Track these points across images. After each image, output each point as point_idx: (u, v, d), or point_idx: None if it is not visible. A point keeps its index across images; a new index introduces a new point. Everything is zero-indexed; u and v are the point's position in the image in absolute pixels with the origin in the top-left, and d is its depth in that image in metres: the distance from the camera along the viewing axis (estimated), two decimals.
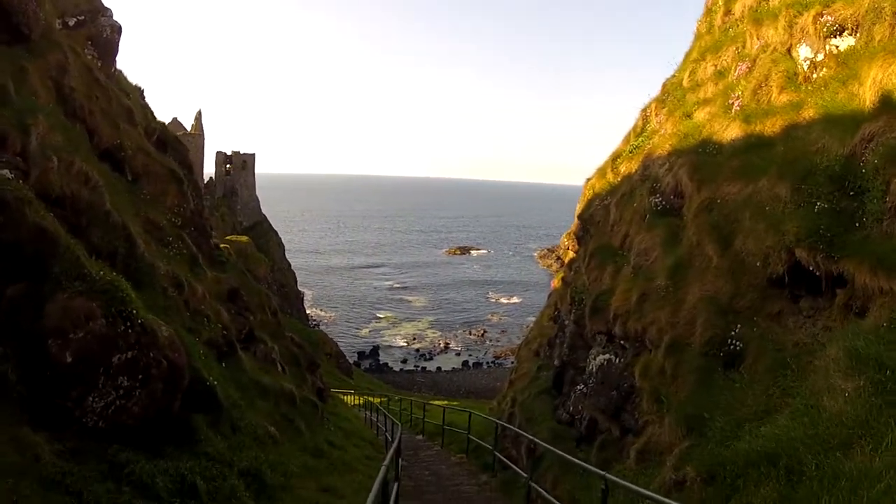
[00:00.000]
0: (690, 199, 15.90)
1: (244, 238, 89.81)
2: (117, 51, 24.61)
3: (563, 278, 24.82)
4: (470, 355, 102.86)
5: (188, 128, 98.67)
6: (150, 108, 28.65)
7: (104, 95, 20.67)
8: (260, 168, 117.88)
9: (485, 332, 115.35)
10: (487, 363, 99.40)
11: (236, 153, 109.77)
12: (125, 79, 27.37)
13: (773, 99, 15.35)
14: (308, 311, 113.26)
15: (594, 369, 16.77)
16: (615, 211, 20.03)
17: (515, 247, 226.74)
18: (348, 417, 30.22)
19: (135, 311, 10.37)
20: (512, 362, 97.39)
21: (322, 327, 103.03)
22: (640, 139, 22.88)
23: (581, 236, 23.29)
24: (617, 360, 15.92)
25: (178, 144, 28.76)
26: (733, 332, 12.18)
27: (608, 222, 20.50)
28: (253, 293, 30.22)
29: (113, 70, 24.93)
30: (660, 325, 14.11)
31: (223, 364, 17.25)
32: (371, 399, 44.87)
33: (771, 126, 14.68)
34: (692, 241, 14.71)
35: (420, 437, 31.37)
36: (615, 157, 24.41)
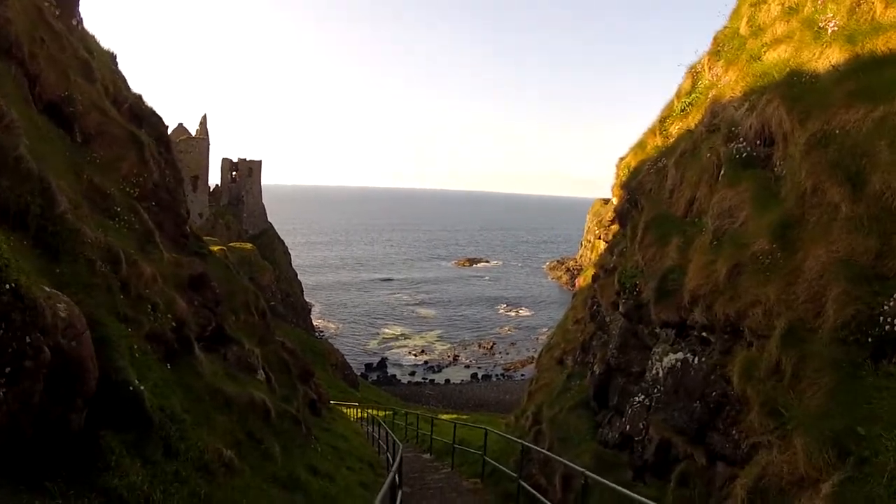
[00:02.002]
0: (788, 139, 11.72)
1: (248, 245, 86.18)
2: (78, 2, 20.85)
3: (601, 267, 20.39)
4: (479, 368, 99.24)
5: (193, 133, 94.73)
6: (122, 77, 24.41)
7: (55, 42, 17.02)
8: (266, 179, 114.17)
9: (494, 344, 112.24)
10: (497, 376, 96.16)
11: (242, 160, 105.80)
12: (92, 39, 23.13)
13: (877, 16, 12.46)
14: (315, 323, 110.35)
15: (661, 374, 12.35)
16: (674, 173, 15.71)
17: (524, 259, 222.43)
18: (345, 434, 25.69)
19: (14, 279, 6.26)
20: (522, 375, 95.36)
21: (329, 339, 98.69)
22: (692, 96, 19.20)
23: (625, 211, 18.90)
24: (696, 360, 11.44)
25: (155, 120, 24.59)
26: (885, 307, 7.87)
27: (664, 188, 16.21)
28: (236, 290, 26.00)
29: (75, 23, 21.05)
30: (766, 305, 9.68)
31: (170, 366, 12.92)
32: (373, 412, 40.43)
33: (884, 43, 11.63)
34: (802, 189, 10.36)
35: (427, 455, 26.86)
36: (663, 119, 20.52)
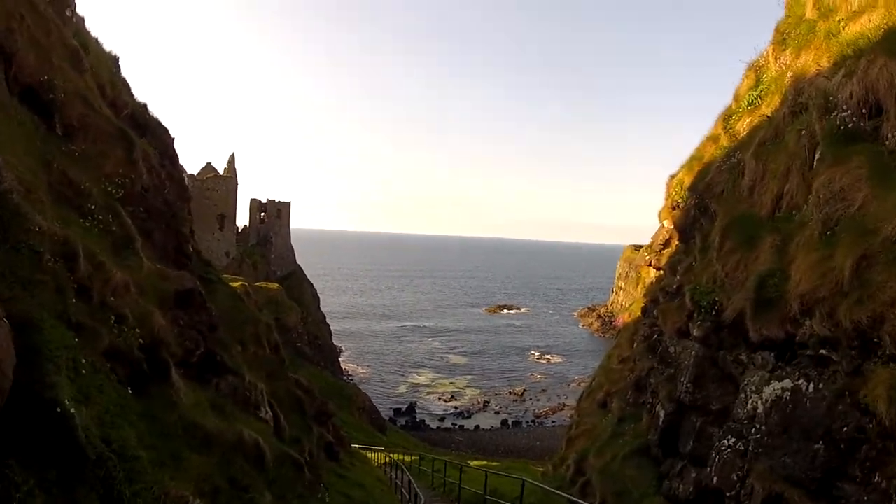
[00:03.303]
0: None
1: (274, 285, 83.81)
2: None
3: (662, 290, 17.31)
4: (509, 414, 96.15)
5: (221, 172, 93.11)
6: (125, 82, 22.07)
7: (39, 24, 14.82)
8: (294, 223, 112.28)
9: (525, 391, 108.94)
10: (528, 422, 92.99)
11: (271, 201, 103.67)
12: (90, 35, 20.70)
13: None
14: (344, 367, 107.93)
15: (760, 409, 9.42)
16: (753, 166, 12.94)
17: (555, 305, 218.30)
18: (363, 482, 22.60)
19: None
20: (553, 422, 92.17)
21: (358, 383, 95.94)
22: (759, 89, 16.68)
23: (691, 222, 16.03)
24: (812, 387, 8.51)
25: (161, 131, 22.28)
26: None
27: (740, 186, 13.49)
28: (246, 320, 23.30)
29: (69, 13, 18.85)
30: None
31: (132, 391, 10.18)
32: (397, 457, 37.27)
33: None
34: None
35: None
36: (726, 117, 18.05)
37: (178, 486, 9.03)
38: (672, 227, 21.62)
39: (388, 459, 36.74)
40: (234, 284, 57.45)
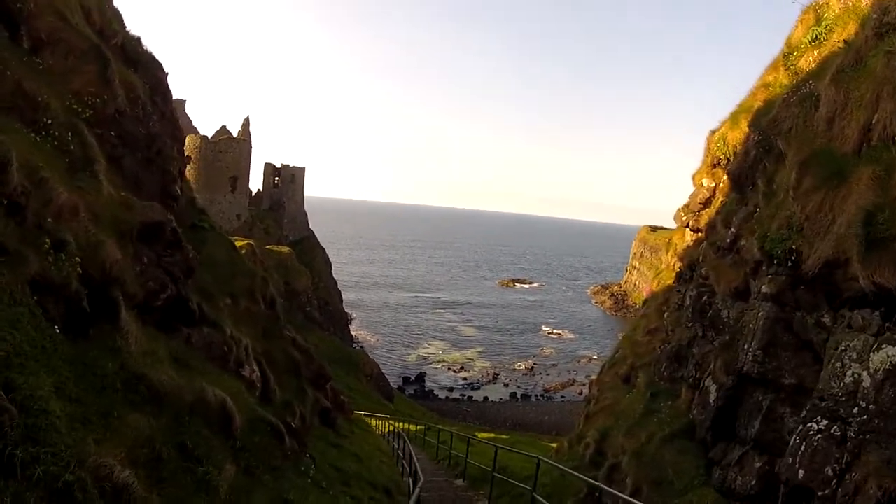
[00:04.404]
0: None
1: (285, 248, 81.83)
2: None
3: (713, 246, 14.77)
4: (519, 387, 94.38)
5: (235, 135, 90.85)
6: (117, 13, 19.90)
7: None
8: (308, 191, 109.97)
9: (535, 364, 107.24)
10: (537, 396, 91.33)
11: (286, 166, 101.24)
12: None
13: None
14: (354, 334, 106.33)
15: (867, 382, 7.06)
16: (833, 95, 10.47)
17: (568, 282, 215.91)
18: (360, 453, 20.32)
19: None
20: (562, 397, 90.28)
21: (367, 351, 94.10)
22: (823, 24, 14.28)
23: (751, 164, 13.60)
24: None
25: (154, 66, 20.05)
26: None
27: (815, 119, 11.02)
28: (239, 272, 21.10)
29: None
30: None
31: (66, 332, 8.02)
32: (400, 426, 35.16)
33: None
34: None
35: (461, 482, 21.53)
36: (785, 55, 15.61)
37: (103, 451, 6.85)
38: (712, 185, 19.28)
39: (391, 428, 34.60)
40: (240, 243, 55.65)
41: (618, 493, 10.15)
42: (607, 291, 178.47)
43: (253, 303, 20.95)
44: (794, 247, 9.50)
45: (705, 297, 13.65)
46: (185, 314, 12.90)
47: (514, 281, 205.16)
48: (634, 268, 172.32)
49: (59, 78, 12.74)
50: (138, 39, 19.72)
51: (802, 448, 7.65)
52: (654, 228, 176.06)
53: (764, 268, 10.40)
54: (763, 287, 10.03)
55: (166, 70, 21.18)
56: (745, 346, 10.07)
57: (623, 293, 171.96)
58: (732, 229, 13.21)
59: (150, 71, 19.00)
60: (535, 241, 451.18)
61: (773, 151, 12.22)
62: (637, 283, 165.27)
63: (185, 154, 77.37)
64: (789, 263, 9.57)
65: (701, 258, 16.89)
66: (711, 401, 11.12)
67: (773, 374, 9.45)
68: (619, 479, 12.87)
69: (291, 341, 22.19)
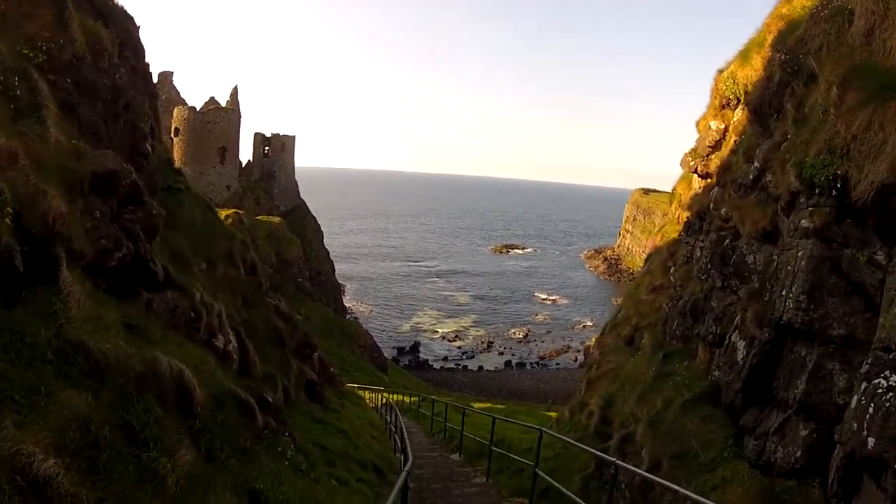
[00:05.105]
0: None
1: (276, 219, 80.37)
2: None
3: (734, 183, 13.29)
4: (513, 355, 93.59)
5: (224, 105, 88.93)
6: None
7: None
8: (298, 161, 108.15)
9: (529, 331, 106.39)
10: (531, 364, 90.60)
11: (276, 135, 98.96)
12: None
13: None
14: (347, 305, 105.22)
15: None
16: (871, 5, 9.06)
17: (561, 247, 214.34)
18: (347, 428, 18.90)
19: None
20: (557, 364, 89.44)
21: (361, 321, 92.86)
22: None
23: (773, 91, 12.12)
24: None
25: (125, 20, 18.71)
26: None
27: (850, 34, 9.68)
28: (216, 234, 19.71)
29: None
30: None
31: None
32: (393, 398, 33.92)
33: None
34: None
35: (456, 456, 20.24)
36: None
37: (24, 436, 5.60)
38: (722, 127, 17.83)
39: (383, 401, 33.29)
40: (225, 212, 54.22)
41: (635, 468, 8.80)
42: (601, 256, 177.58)
43: (232, 267, 19.57)
44: (838, 172, 8.08)
45: (727, 242, 12.19)
46: (146, 277, 11.46)
47: (508, 247, 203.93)
48: (628, 231, 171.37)
49: (10, 23, 11.64)
50: None
51: (871, 410, 6.27)
52: (646, 191, 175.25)
53: (802, 199, 8.96)
54: (802, 221, 8.58)
55: (138, 24, 19.83)
56: (783, 293, 8.62)
57: (616, 257, 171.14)
58: (756, 164, 11.73)
59: (120, 25, 17.70)
60: (527, 207, 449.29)
61: (801, 73, 10.76)
62: (630, 246, 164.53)
63: (174, 127, 75.10)
64: (833, 192, 8.14)
65: (712, 205, 15.50)
66: (740, 359, 9.70)
67: (819, 323, 8.04)
68: (632, 451, 11.51)
69: (274, 309, 20.81)
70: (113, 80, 14.76)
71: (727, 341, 10.51)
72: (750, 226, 10.96)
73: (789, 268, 8.66)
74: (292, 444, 12.54)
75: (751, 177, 11.86)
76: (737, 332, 10.11)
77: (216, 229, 19.94)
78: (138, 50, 19.38)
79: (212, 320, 13.81)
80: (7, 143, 8.55)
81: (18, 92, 10.09)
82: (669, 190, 26.14)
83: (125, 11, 18.70)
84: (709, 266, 12.84)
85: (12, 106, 9.82)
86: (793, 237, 8.93)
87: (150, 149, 17.08)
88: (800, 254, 8.52)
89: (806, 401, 7.95)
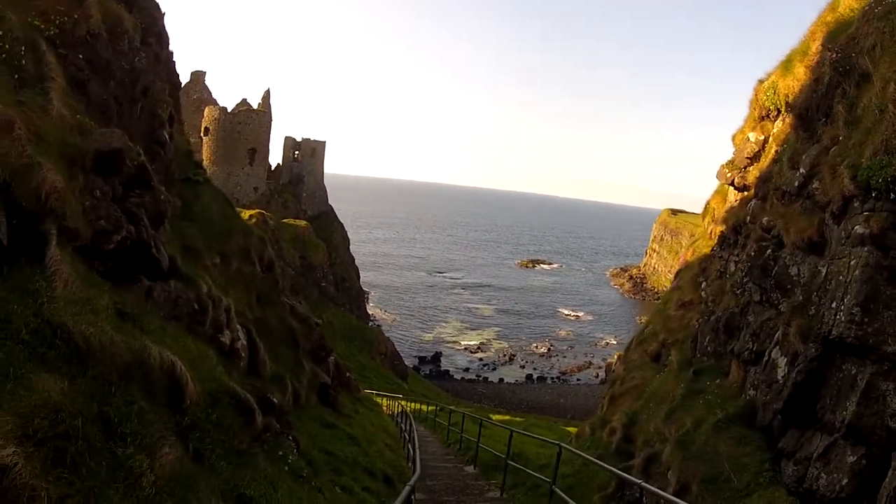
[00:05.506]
0: None
1: (302, 222, 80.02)
2: None
3: (777, 191, 12.42)
4: (535, 369, 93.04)
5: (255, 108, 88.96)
6: None
7: None
8: (328, 167, 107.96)
9: (551, 346, 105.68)
10: (552, 378, 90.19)
11: (306, 140, 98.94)
12: None
13: None
14: (370, 312, 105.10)
15: None
16: None
17: (587, 264, 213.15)
18: (358, 435, 18.09)
19: None
20: (578, 380, 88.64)
21: (384, 329, 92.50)
22: None
23: (822, 94, 11.24)
24: None
25: (150, 6, 18.33)
26: None
27: None
28: (234, 229, 19.13)
29: None
30: None
31: None
32: (406, 404, 33.21)
33: None
34: None
35: (471, 468, 19.46)
36: None
37: None
38: (761, 138, 16.98)
39: (399, 408, 32.55)
40: (249, 212, 53.88)
41: (661, 491, 7.99)
42: (626, 274, 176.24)
43: (247, 263, 18.95)
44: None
45: (769, 252, 11.32)
46: (148, 264, 10.78)
47: (534, 262, 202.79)
48: (654, 251, 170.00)
49: None
50: None
51: None
52: (675, 212, 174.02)
53: (856, 204, 8.14)
54: (857, 227, 7.74)
55: (163, 10, 19.46)
56: (833, 305, 7.78)
57: (642, 276, 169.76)
58: (802, 170, 10.88)
59: (145, 10, 17.28)
60: (556, 222, 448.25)
61: (852, 73, 9.95)
62: (657, 266, 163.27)
63: (205, 126, 74.91)
64: (892, 195, 7.32)
65: (749, 217, 14.66)
66: (780, 377, 8.85)
67: (873, 338, 7.21)
68: (657, 472, 10.69)
69: (290, 309, 20.15)
70: (132, 63, 14.31)
71: (766, 358, 9.67)
72: (795, 235, 10.13)
73: (840, 278, 7.84)
74: (295, 449, 11.81)
75: (796, 184, 11.02)
76: (777, 347, 9.28)
77: (233, 224, 19.34)
78: (162, 37, 19.02)
79: (218, 315, 13.13)
80: (4, 111, 7.98)
81: (24, 62, 9.65)
82: (695, 211, 25.34)
83: None
84: (745, 279, 12.01)
85: (16, 76, 9.31)
86: (844, 245, 8.10)
87: (167, 137, 16.61)
88: (852, 262, 7.69)
89: (856, 423, 7.12)
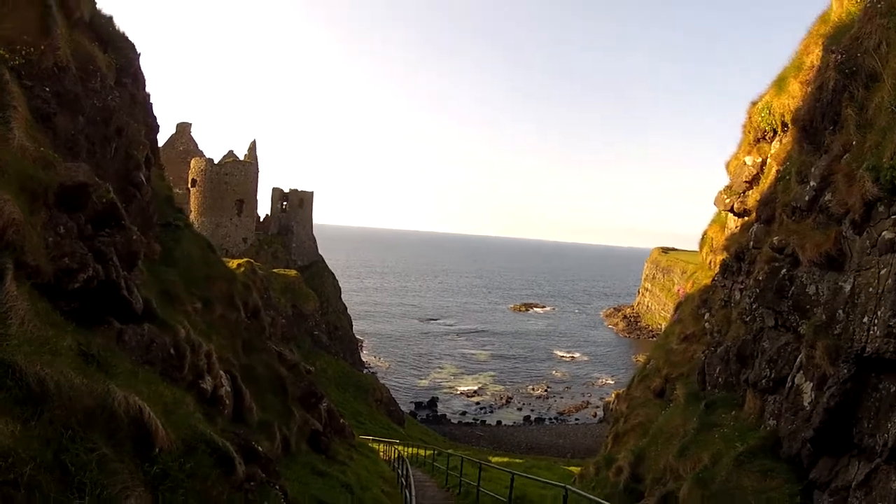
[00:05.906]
0: None
1: (292, 272, 79.26)
2: None
3: (785, 207, 11.69)
4: (532, 410, 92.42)
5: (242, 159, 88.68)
6: None
7: None
8: (318, 218, 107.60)
9: (548, 388, 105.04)
10: (550, 419, 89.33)
11: (294, 190, 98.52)
12: None
13: None
14: (364, 359, 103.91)
15: None
16: None
17: (580, 306, 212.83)
18: (349, 483, 17.04)
19: None
20: (576, 420, 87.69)
21: (379, 376, 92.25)
22: None
23: (827, 101, 10.54)
24: None
25: (126, 46, 17.88)
26: None
27: None
28: (215, 275, 18.35)
29: None
30: None
31: None
32: (402, 449, 32.23)
33: None
34: None
35: None
36: None
37: None
38: (759, 160, 16.42)
39: (395, 454, 31.59)
40: (237, 262, 53.05)
41: None
42: (620, 314, 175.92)
43: (231, 309, 18.14)
44: None
45: (783, 272, 10.57)
46: (119, 306, 10.01)
47: (527, 305, 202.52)
48: (647, 290, 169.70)
49: None
50: (110, 18, 17.66)
51: None
52: (665, 250, 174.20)
53: (881, 208, 7.46)
54: (885, 233, 7.04)
55: (139, 51, 19.02)
56: (865, 320, 7.05)
57: (636, 315, 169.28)
58: (812, 183, 10.21)
59: (120, 51, 16.86)
60: (545, 266, 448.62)
61: (859, 74, 9.34)
62: (650, 304, 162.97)
63: (192, 178, 74.50)
64: None
65: (752, 243, 14.01)
66: (807, 403, 8.07)
67: None
68: None
69: (277, 355, 19.32)
70: (104, 102, 13.76)
71: (789, 384, 8.90)
72: (811, 251, 9.41)
73: (870, 290, 7.11)
74: (282, 498, 10.92)
75: (807, 198, 10.35)
76: (801, 372, 8.52)
77: (216, 270, 18.58)
78: (138, 78, 18.64)
79: (198, 360, 12.36)
80: None
81: None
82: (685, 248, 24.78)
83: (125, 37, 17.99)
84: (755, 305, 11.28)
85: None
86: (870, 255, 7.39)
87: (143, 179, 15.89)
88: (882, 272, 6.98)
89: None
